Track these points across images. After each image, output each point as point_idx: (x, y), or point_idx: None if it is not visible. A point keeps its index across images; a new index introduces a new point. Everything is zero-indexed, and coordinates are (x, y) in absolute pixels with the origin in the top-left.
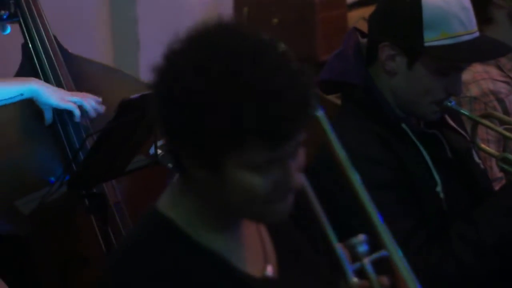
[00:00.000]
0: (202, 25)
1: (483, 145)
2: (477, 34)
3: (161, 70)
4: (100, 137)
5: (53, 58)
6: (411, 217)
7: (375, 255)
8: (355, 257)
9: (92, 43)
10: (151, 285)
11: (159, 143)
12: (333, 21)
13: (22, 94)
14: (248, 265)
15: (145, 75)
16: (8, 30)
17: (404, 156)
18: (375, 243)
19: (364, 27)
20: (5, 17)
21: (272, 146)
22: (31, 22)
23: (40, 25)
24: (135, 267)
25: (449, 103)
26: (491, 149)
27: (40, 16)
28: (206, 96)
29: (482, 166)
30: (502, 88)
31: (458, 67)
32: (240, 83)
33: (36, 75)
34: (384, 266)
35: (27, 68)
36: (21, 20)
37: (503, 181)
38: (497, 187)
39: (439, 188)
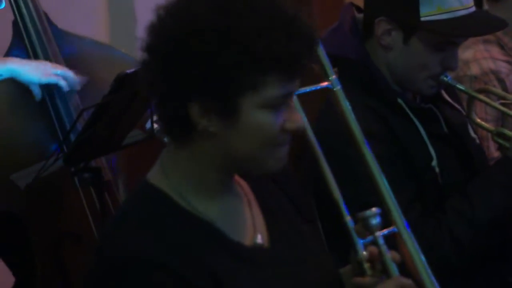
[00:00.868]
0: None
1: (478, 120)
2: (473, 9)
3: (174, 13)
4: (96, 111)
5: (43, 36)
6: (407, 191)
7: (387, 231)
8: (367, 229)
9: (87, 18)
10: (143, 250)
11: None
12: None
13: (0, 75)
14: (239, 233)
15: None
16: (3, 4)
17: (400, 130)
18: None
19: (360, 2)
20: None
21: (290, 80)
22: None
23: (30, 2)
24: (127, 234)
25: (445, 78)
26: (486, 124)
27: None
28: (233, 32)
29: (477, 141)
30: (503, 67)
31: (454, 41)
32: (266, 15)
33: (27, 53)
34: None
35: (18, 46)
36: None
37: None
38: None
39: (434, 163)
